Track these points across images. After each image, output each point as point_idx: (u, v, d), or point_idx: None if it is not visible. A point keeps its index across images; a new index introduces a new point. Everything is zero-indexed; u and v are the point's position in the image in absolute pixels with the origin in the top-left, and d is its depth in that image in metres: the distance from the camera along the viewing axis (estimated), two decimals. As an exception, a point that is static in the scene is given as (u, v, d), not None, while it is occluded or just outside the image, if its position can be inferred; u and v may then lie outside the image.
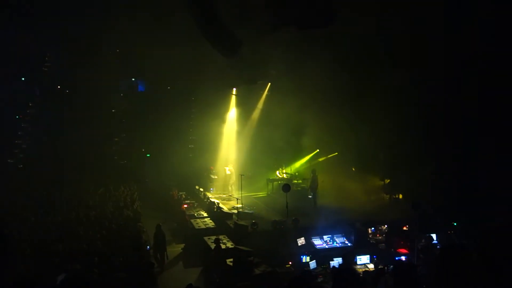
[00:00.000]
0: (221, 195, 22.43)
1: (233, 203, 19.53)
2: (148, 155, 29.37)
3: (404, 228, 15.02)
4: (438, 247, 13.29)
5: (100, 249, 12.65)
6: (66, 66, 27.29)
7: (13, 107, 28.67)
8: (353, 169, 20.11)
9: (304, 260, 13.07)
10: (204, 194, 22.27)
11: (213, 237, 14.84)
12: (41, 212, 16.80)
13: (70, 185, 22.26)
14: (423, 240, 13.65)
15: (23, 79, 30.97)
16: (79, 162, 24.71)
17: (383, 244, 14.47)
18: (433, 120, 15.99)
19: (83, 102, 27.20)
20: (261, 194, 22.26)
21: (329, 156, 22.10)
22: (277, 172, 23.90)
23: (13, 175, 24.99)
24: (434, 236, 13.90)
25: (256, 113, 24.48)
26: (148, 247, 15.03)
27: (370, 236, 14.98)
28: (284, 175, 23.12)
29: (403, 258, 13.31)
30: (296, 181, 22.23)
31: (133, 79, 33.81)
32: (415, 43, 15.33)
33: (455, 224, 14.66)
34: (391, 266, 10.10)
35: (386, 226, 15.12)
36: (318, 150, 22.74)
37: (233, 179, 22.85)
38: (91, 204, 18.37)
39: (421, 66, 15.44)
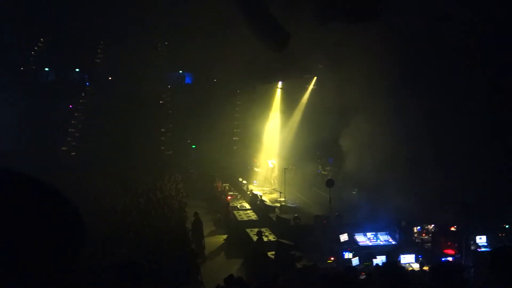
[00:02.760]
0: (263, 188, 22.53)
1: (276, 196, 19.57)
2: (193, 146, 29.84)
3: (452, 229, 14.54)
4: (487, 249, 12.81)
5: (147, 238, 12.99)
6: (117, 58, 28.04)
7: (67, 97, 29.92)
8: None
9: (346, 257, 12.90)
10: (247, 186, 22.44)
11: (256, 230, 14.95)
12: (90, 199, 17.41)
13: (118, 174, 22.94)
14: (471, 242, 13.20)
15: (77, 70, 32.24)
16: (127, 152, 25.40)
17: (429, 244, 14.09)
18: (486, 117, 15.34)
19: (132, 93, 27.90)
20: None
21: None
22: (319, 167, 23.74)
23: (66, 162, 26.03)
24: (484, 238, 13.39)
25: (301, 107, 24.33)
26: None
27: (416, 235, 14.60)
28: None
29: (449, 259, 12.90)
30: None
31: (180, 72, 34.43)
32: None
33: (507, 226, 14.04)
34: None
35: (433, 225, 14.70)
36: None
37: (276, 172, 22.87)
38: (140, 193, 18.86)
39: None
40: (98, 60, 32.87)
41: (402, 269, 10.86)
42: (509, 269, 3.18)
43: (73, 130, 29.51)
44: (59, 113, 28.48)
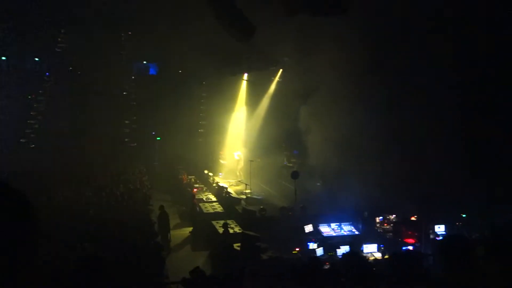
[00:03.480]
0: (229, 180, 22.51)
1: (242, 188, 19.60)
2: (158, 138, 29.47)
3: (412, 218, 14.96)
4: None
5: (110, 231, 12.77)
6: (78, 47, 27.26)
7: (26, 87, 28.86)
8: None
9: (311, 247, 13.07)
10: (213, 178, 22.36)
11: (221, 222, 14.95)
12: (51, 193, 16.94)
13: (80, 166, 22.41)
14: (430, 231, 13.63)
15: (36, 59, 31.12)
16: (89, 144, 24.83)
17: (391, 234, 14.46)
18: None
19: (95, 84, 27.23)
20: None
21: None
22: (285, 159, 23.92)
23: (24, 155, 25.19)
24: (442, 227, 13.85)
25: (266, 99, 24.39)
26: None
27: (378, 225, 14.95)
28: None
29: (410, 247, 13.28)
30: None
31: (144, 62, 33.83)
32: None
33: (464, 216, 14.56)
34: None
35: (394, 215, 15.07)
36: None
37: (242, 164, 22.89)
38: (102, 186, 18.50)
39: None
40: (58, 49, 31.84)
41: (364, 258, 11.13)
42: (457, 255, 3.32)
43: (32, 121, 28.51)
44: (18, 103, 27.47)
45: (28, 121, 28.29)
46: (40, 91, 29.91)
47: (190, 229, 17.06)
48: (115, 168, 22.79)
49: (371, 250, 13.07)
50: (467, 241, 3.53)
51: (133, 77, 32.94)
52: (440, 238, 13.53)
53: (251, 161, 20.08)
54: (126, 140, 29.81)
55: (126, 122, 30.61)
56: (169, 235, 15.19)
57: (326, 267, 11.13)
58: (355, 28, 14.56)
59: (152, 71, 34.04)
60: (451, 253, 3.34)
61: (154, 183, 22.65)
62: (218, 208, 17.89)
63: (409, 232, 14.00)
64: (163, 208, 15.44)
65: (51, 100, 28.95)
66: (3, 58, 29.86)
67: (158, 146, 29.01)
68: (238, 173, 22.91)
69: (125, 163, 24.55)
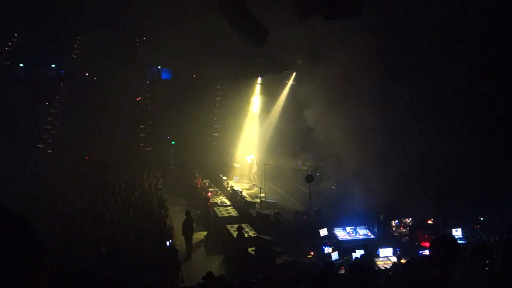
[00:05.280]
0: (243, 184, 22.51)
1: (256, 192, 19.57)
2: (173, 142, 29.62)
3: (429, 222, 14.79)
4: (463, 242, 13.07)
5: (126, 236, 12.86)
6: (94, 53, 27.60)
7: (43, 93, 29.29)
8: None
9: (326, 251, 13.01)
10: (227, 182, 22.38)
11: (236, 226, 14.92)
12: (68, 198, 17.13)
13: (96, 171, 22.63)
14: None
15: (53, 65, 31.61)
16: (104, 149, 25.06)
17: (407, 237, 14.30)
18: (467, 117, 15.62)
19: (110, 89, 27.50)
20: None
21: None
22: (300, 162, 23.83)
23: (42, 160, 25.53)
24: (459, 230, 13.64)
25: (280, 102, 24.36)
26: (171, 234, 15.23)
27: (394, 229, 14.81)
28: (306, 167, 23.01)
29: (426, 252, 13.11)
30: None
31: (159, 67, 34.11)
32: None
33: (482, 219, 14.33)
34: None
35: (410, 219, 14.91)
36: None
37: (255, 168, 22.85)
38: (118, 191, 18.64)
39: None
40: (74, 56, 32.30)
41: (371, 265, 11.02)
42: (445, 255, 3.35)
43: (49, 127, 28.91)
44: (35, 110, 27.89)
45: (45, 127, 28.69)
46: (57, 97, 30.36)
47: (205, 233, 17.09)
48: (131, 173, 22.94)
49: (386, 254, 12.94)
50: (456, 242, 3.56)
51: (147, 82, 33.24)
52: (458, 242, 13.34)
53: (265, 164, 20.03)
54: (141, 144, 30.04)
55: (141, 126, 30.85)
56: (192, 239, 15.29)
57: (342, 271, 11.07)
58: (368, 31, 14.50)
59: (166, 76, 34.32)
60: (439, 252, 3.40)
61: (169, 187, 22.76)
62: (233, 212, 17.89)
63: (426, 236, 13.81)
64: (189, 214, 15.58)
65: (68, 105, 29.36)
66: (21, 65, 30.41)
67: (173, 150, 29.15)
68: (252, 177, 22.87)
69: (141, 168, 24.70)
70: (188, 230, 15.18)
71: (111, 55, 26.58)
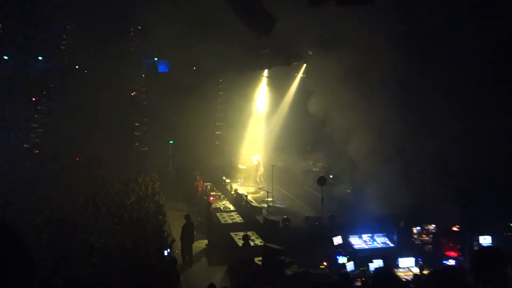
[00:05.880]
0: (249, 187, 22.51)
1: (263, 196, 19.56)
2: (171, 141, 29.67)
3: (454, 229, 14.69)
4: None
5: (119, 244, 12.89)
6: (84, 44, 27.67)
7: (29, 88, 29.40)
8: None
9: (340, 261, 12.96)
10: (231, 185, 22.38)
11: (241, 233, 14.92)
12: (57, 203, 17.20)
13: (87, 174, 22.72)
14: (475, 243, 13.36)
15: (40, 58, 31.69)
16: (96, 149, 25.15)
17: (430, 246, 14.22)
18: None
19: (102, 83, 27.56)
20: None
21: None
22: (311, 163, 23.80)
23: (28, 160, 25.68)
24: (489, 238, 13.55)
25: (289, 97, 24.33)
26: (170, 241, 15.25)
27: (415, 236, 14.72)
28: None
29: (452, 262, 13.04)
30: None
31: (155, 59, 34.13)
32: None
33: (512, 225, 14.25)
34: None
35: (433, 225, 14.83)
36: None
37: (262, 169, 22.84)
38: (110, 194, 18.70)
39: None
40: (63, 47, 32.38)
41: (398, 278, 10.95)
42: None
43: (36, 125, 29.03)
44: (20, 106, 28.02)
45: (32, 125, 28.80)
46: (44, 92, 30.44)
47: (206, 241, 17.10)
48: (125, 175, 23.00)
49: (407, 264, 12.87)
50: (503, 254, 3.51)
51: (143, 75, 33.28)
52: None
53: (272, 165, 20.00)
54: (136, 144, 30.12)
55: (136, 124, 30.93)
56: (191, 248, 15.32)
57: (357, 283, 11.04)
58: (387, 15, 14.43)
59: (163, 69, 34.34)
60: (484, 266, 3.36)
61: (167, 191, 22.80)
62: (237, 218, 17.90)
63: (451, 244, 13.74)
64: (189, 218, 15.61)
65: (56, 102, 29.46)
66: (5, 57, 30.51)
67: (172, 150, 29.20)
68: (258, 179, 22.86)
69: (136, 169, 24.77)
70: (188, 236, 15.19)
71: (103, 46, 26.62)
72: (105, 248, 12.45)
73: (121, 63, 29.25)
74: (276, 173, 20.06)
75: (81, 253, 11.79)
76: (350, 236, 14.35)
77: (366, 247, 14.20)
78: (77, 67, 31.63)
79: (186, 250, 15.12)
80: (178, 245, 15.25)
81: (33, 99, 29.89)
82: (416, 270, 12.51)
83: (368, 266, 12.70)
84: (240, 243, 14.26)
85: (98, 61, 27.78)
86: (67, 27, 31.32)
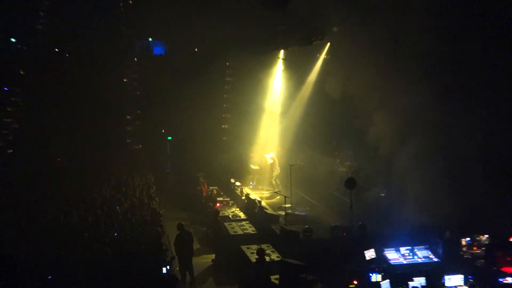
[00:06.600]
0: (263, 192, 22.51)
1: (280, 202, 19.55)
2: (169, 138, 29.74)
3: (512, 240, 14.61)
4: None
5: (110, 260, 12.93)
6: (66, 23, 27.79)
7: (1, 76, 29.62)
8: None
9: (373, 279, 12.91)
10: (241, 189, 22.39)
11: (254, 247, 14.92)
12: (35, 211, 17.28)
13: (69, 176, 22.82)
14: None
15: (13, 40, 31.90)
16: (81, 147, 25.27)
17: (482, 261, 14.12)
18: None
19: (87, 69, 27.67)
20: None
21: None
22: (337, 162, 23.72)
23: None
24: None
25: (310, 83, 24.27)
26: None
27: (465, 249, 14.63)
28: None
29: (509, 280, 12.94)
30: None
31: (150, 39, 34.20)
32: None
33: None
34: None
35: (486, 236, 14.72)
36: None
37: (278, 170, 22.79)
38: (99, 201, 18.76)
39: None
40: (39, 27, 32.58)
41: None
42: None
43: (9, 120, 29.24)
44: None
45: (4, 120, 29.00)
46: (18, 80, 30.61)
47: (213, 256, 17.13)
48: (115, 178, 23.10)
49: (455, 283, 12.78)
50: None
51: (135, 59, 33.35)
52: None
53: (291, 165, 19.96)
54: (128, 141, 30.25)
55: (128, 117, 31.05)
56: (191, 263, 15.33)
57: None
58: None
59: (159, 51, 34.39)
60: None
61: (165, 196, 22.87)
62: (249, 228, 17.90)
63: (508, 258, 13.63)
64: (182, 227, 15.59)
65: (33, 91, 29.60)
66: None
67: (170, 148, 29.28)
68: (274, 182, 22.86)
69: (128, 171, 24.86)
70: (185, 249, 15.15)
71: (87, 24, 26.71)
72: (92, 264, 12.49)
73: (109, 45, 29.37)
74: (295, 174, 20.02)
75: (65, 270, 11.83)
76: (385, 249, 14.30)
77: (405, 262, 14.15)
78: (56, 50, 31.80)
79: (185, 266, 15.10)
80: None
81: (5, 88, 30.10)
82: (466, 290, 12.44)
83: (407, 285, 12.64)
84: (253, 258, 14.26)
85: (82, 43, 27.90)
86: (44, 2, 31.50)
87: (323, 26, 20.61)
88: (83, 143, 25.36)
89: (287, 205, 18.49)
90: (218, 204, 20.78)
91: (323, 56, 23.54)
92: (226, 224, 18.33)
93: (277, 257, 14.71)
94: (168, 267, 13.67)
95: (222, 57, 29.66)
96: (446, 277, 12.91)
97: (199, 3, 22.68)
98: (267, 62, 25.50)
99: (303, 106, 24.07)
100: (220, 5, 21.16)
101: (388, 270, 13.43)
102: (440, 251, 14.44)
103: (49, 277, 11.32)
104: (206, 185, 23.72)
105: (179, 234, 15.40)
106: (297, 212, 18.73)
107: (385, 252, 14.29)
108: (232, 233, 17.47)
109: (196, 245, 18.27)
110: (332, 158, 23.85)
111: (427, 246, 14.60)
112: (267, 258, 14.33)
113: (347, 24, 18.15)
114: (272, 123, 25.47)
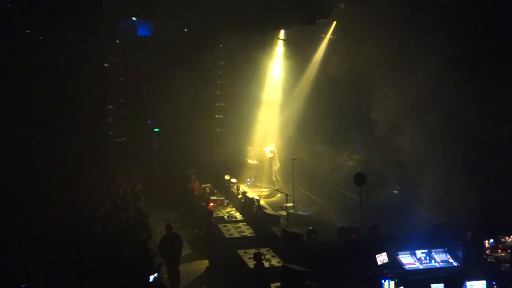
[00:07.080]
0: (261, 189, 22.54)
1: (280, 200, 19.58)
2: (156, 129, 29.73)
3: (540, 241, 14.66)
4: None
5: (90, 267, 12.93)
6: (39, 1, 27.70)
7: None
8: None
9: (386, 286, 12.97)
10: (237, 187, 22.42)
11: (252, 251, 14.97)
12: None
13: (43, 173, 22.78)
14: None
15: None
16: (55, 142, 25.21)
17: (508, 265, 14.17)
18: None
19: (63, 52, 27.58)
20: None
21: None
22: (345, 155, 23.76)
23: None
24: None
25: (313, 67, 24.25)
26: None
27: (488, 252, 14.68)
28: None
29: (538, 286, 13.02)
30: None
31: (134, 19, 34.06)
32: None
33: None
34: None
35: (512, 237, 14.79)
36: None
37: (277, 164, 22.76)
38: (76, 202, 18.76)
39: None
40: (9, 5, 32.48)
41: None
42: None
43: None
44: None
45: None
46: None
47: (206, 262, 17.17)
48: (95, 175, 23.10)
49: (478, 290, 12.85)
50: None
51: (117, 41, 33.25)
52: None
53: (293, 159, 19.98)
54: (110, 133, 30.22)
55: (110, 107, 30.99)
56: (178, 270, 15.35)
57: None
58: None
59: (144, 31, 34.25)
60: None
61: (152, 196, 22.88)
62: (247, 230, 17.98)
63: (536, 262, 13.71)
64: (170, 229, 15.62)
65: (3, 78, 29.53)
66: None
67: (157, 141, 29.28)
68: (274, 178, 22.88)
69: (110, 168, 24.86)
70: (171, 253, 15.18)
71: (62, 1, 26.62)
72: (69, 273, 12.51)
73: (88, 25, 29.25)
74: (297, 169, 20.04)
75: (39, 281, 11.86)
76: (399, 252, 14.35)
77: (421, 267, 14.22)
78: (28, 31, 31.69)
79: (171, 272, 15.12)
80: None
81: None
82: (490, 297, 12.50)
83: (424, 293, 12.71)
84: (251, 263, 14.30)
85: (57, 23, 27.79)
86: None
87: (328, 2, 20.63)
88: (58, 137, 25.25)
89: (288, 204, 18.51)
90: (211, 204, 20.83)
91: (328, 36, 23.52)
92: (220, 226, 18.40)
93: (278, 262, 14.77)
94: (156, 274, 13.70)
95: (214, 38, 29.58)
96: (468, 283, 12.95)
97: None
98: (266, 44, 25.46)
99: (306, 93, 24.06)
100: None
101: (402, 276, 13.48)
102: (461, 254, 14.48)
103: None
104: (198, 183, 23.75)
105: (165, 236, 15.41)
106: (300, 212, 18.79)
107: (399, 256, 14.35)
108: (227, 236, 17.54)
109: (187, 250, 18.37)
110: (339, 151, 23.84)
111: (446, 249, 14.66)
112: (267, 264, 14.39)
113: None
114: (272, 112, 25.46)
